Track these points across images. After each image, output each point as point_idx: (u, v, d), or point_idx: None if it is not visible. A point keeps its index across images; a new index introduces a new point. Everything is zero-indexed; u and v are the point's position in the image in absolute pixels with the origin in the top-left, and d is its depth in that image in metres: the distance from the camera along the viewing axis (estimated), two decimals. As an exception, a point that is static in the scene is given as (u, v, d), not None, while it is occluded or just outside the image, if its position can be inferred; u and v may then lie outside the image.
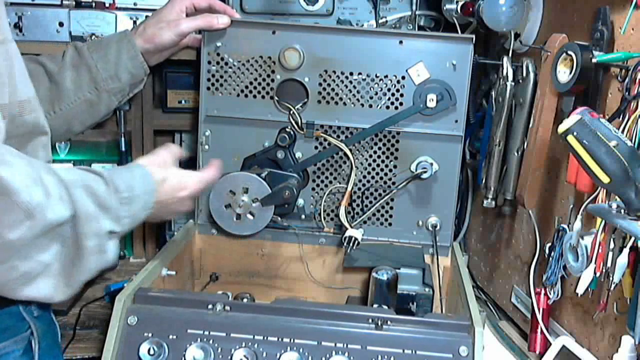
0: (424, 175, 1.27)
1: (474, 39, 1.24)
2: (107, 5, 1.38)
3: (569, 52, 1.00)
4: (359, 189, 1.32)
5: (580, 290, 0.94)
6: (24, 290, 0.80)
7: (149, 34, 1.22)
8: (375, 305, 1.16)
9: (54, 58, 1.19)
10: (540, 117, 1.10)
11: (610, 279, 0.89)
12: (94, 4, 1.37)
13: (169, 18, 1.23)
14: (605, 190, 0.91)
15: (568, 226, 1.04)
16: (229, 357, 0.95)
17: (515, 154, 1.19)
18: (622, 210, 0.82)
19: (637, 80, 0.86)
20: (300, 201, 1.32)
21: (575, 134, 0.82)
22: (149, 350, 0.95)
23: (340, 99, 1.28)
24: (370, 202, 1.31)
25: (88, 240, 0.84)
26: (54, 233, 0.80)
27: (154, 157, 1.05)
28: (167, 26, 1.22)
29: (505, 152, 1.23)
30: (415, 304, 1.12)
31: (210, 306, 0.99)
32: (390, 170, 1.31)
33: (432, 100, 1.25)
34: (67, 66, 1.17)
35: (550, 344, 1.06)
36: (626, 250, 0.86)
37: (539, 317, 1.11)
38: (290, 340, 0.96)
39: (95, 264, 0.86)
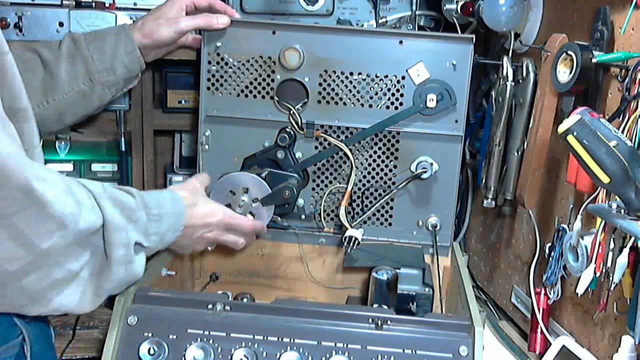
0: (424, 175, 1.27)
1: (474, 39, 1.24)
2: (107, 5, 1.37)
3: (569, 52, 1.00)
4: (359, 189, 1.32)
5: (580, 290, 0.94)
6: (54, 299, 0.81)
7: (147, 29, 1.22)
8: (375, 305, 1.16)
9: (51, 46, 1.18)
10: (540, 117, 1.10)
11: (610, 279, 0.89)
12: (94, 4, 1.37)
13: (168, 15, 1.23)
14: (605, 190, 0.91)
15: (568, 226, 1.04)
16: (229, 357, 0.95)
17: (515, 154, 1.19)
18: (622, 210, 0.82)
19: (637, 80, 0.86)
20: (300, 201, 1.32)
21: (575, 134, 0.82)
22: (149, 350, 0.95)
23: (340, 99, 1.28)
24: (370, 202, 1.31)
25: (116, 249, 0.85)
26: (85, 241, 0.81)
27: (184, 184, 1.12)
28: (167, 23, 1.22)
29: (505, 152, 1.23)
30: (415, 304, 1.12)
31: (210, 306, 0.99)
32: (390, 170, 1.31)
33: (432, 100, 1.25)
34: (62, 56, 1.17)
35: (550, 344, 1.06)
36: (626, 250, 0.86)
37: (539, 317, 1.11)
38: (290, 340, 0.96)
39: (122, 275, 0.88)
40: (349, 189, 1.29)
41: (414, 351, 0.95)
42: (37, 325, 0.92)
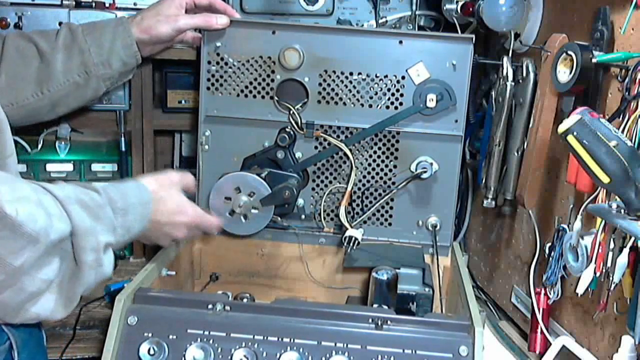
0: (424, 175, 1.27)
1: (474, 39, 1.24)
2: (107, 5, 1.38)
3: (569, 52, 1.00)
4: (359, 189, 1.32)
5: (580, 290, 0.94)
6: (30, 310, 0.81)
7: (145, 24, 1.22)
8: (375, 305, 1.16)
9: (48, 36, 1.18)
10: (540, 117, 1.10)
11: (610, 279, 0.89)
12: (94, 4, 1.37)
13: (167, 12, 1.23)
14: (605, 190, 0.91)
15: (568, 226, 1.04)
16: (229, 357, 0.95)
17: (515, 154, 1.19)
18: (622, 210, 0.82)
19: (637, 80, 0.86)
20: (300, 201, 1.32)
21: (575, 134, 0.82)
22: (149, 350, 0.95)
23: (340, 99, 1.28)
24: (370, 202, 1.31)
25: (86, 254, 0.84)
26: (55, 249, 0.81)
27: (158, 175, 1.08)
28: (165, 20, 1.22)
29: (505, 152, 1.23)
30: (415, 304, 1.12)
31: (210, 306, 0.99)
32: (390, 170, 1.31)
33: (432, 100, 1.25)
34: (59, 47, 1.17)
35: (550, 344, 1.06)
36: (626, 250, 0.86)
37: (539, 317, 1.11)
38: (290, 340, 0.96)
39: (93, 278, 0.87)
40: (349, 189, 1.29)
41: (414, 351, 0.95)
42: (26, 330, 0.91)
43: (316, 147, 1.31)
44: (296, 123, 1.29)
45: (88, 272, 0.85)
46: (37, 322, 0.87)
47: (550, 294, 1.09)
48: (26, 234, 0.75)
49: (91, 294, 1.35)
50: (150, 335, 0.97)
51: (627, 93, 0.87)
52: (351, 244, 1.20)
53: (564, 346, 1.02)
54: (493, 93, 1.26)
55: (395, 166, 1.30)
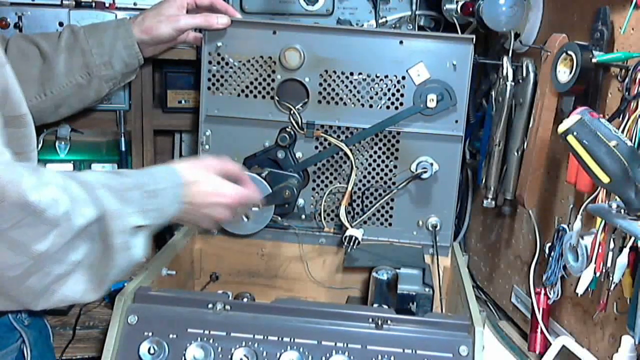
0: (424, 175, 1.27)
1: (474, 39, 1.24)
2: (107, 5, 1.38)
3: (569, 52, 1.00)
4: (359, 189, 1.32)
5: (580, 290, 0.94)
6: (58, 291, 0.81)
7: (146, 25, 1.22)
8: (375, 305, 1.16)
9: (50, 38, 1.19)
10: (540, 117, 1.10)
11: (610, 279, 0.89)
12: (94, 4, 1.37)
13: (168, 12, 1.23)
14: (605, 190, 0.91)
15: (568, 226, 1.04)
16: (229, 357, 0.95)
17: (515, 154, 1.19)
18: (622, 210, 0.82)
19: (637, 80, 0.86)
20: (301, 201, 1.32)
21: (575, 134, 0.82)
22: (149, 349, 0.95)
23: (341, 99, 1.28)
24: (371, 202, 1.31)
25: (115, 238, 0.84)
26: (83, 234, 0.81)
27: (194, 160, 1.07)
28: (166, 20, 1.22)
29: (505, 152, 1.23)
30: (415, 303, 1.12)
31: (210, 305, 0.99)
32: (391, 170, 1.31)
33: (432, 100, 1.25)
34: (61, 49, 1.17)
35: (550, 344, 1.06)
36: (626, 250, 0.86)
37: (539, 317, 1.11)
38: (290, 339, 0.96)
39: (123, 261, 0.86)
40: (349, 188, 1.29)
41: (414, 351, 0.95)
42: (36, 327, 0.92)
43: (316, 147, 1.31)
44: (296, 123, 1.29)
45: (118, 255, 0.85)
46: (65, 305, 0.86)
47: (550, 294, 1.09)
48: (50, 219, 0.75)
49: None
50: (150, 334, 0.96)
51: (627, 93, 0.87)
52: (351, 244, 1.20)
53: (564, 346, 1.02)
54: (493, 93, 1.26)
55: (395, 166, 1.30)
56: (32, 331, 0.90)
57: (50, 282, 0.79)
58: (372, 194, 1.32)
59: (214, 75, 1.30)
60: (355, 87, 1.28)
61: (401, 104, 1.27)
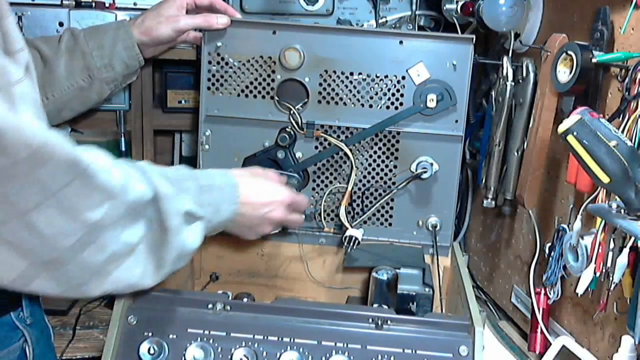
0: (424, 175, 1.27)
1: (474, 39, 1.24)
2: (107, 5, 1.38)
3: (569, 52, 1.00)
4: (359, 189, 1.32)
5: (580, 290, 0.94)
6: (113, 273, 0.80)
7: (146, 26, 1.22)
8: (375, 305, 1.16)
9: (50, 42, 1.19)
10: (540, 117, 1.10)
11: (610, 279, 0.89)
12: (94, 4, 1.37)
13: (168, 13, 1.23)
14: (605, 190, 0.91)
15: (568, 226, 1.04)
16: (229, 357, 0.95)
17: (515, 154, 1.19)
18: (622, 210, 0.82)
19: (637, 80, 0.86)
20: (301, 201, 1.32)
21: (575, 134, 0.82)
22: (149, 349, 0.95)
23: (341, 99, 1.28)
24: (371, 202, 1.31)
25: (170, 219, 0.85)
26: (139, 214, 0.81)
27: (248, 168, 1.11)
28: (166, 21, 1.22)
29: (505, 152, 1.23)
30: (415, 304, 1.12)
31: (210, 306, 0.99)
32: (390, 171, 1.31)
33: (432, 100, 1.25)
34: (62, 52, 1.17)
35: (550, 344, 1.06)
36: (626, 250, 0.86)
37: (539, 317, 1.11)
38: (290, 339, 0.96)
39: (180, 244, 0.87)
40: (349, 189, 1.29)
41: (414, 351, 0.95)
42: (38, 327, 0.92)
43: (316, 147, 1.31)
44: (296, 123, 1.29)
45: (174, 237, 0.85)
46: (119, 292, 0.86)
47: (550, 294, 1.09)
48: (101, 186, 0.75)
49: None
50: (150, 334, 0.96)
51: (627, 93, 0.88)
52: (351, 244, 1.20)
53: (564, 346, 1.02)
54: (493, 93, 1.26)
55: (395, 166, 1.30)
56: (34, 331, 0.90)
57: (105, 260, 0.78)
58: (372, 194, 1.32)
59: (213, 75, 1.30)
60: (355, 87, 1.28)
61: (401, 104, 1.27)
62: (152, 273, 0.85)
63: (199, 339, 0.96)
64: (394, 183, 1.31)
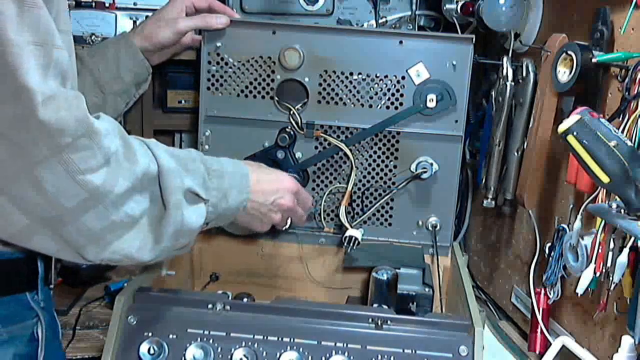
0: (424, 175, 1.27)
1: (474, 39, 1.24)
2: (107, 5, 1.38)
3: (569, 52, 1.00)
4: (359, 189, 1.32)
5: (580, 290, 0.94)
6: (113, 243, 0.81)
7: (147, 32, 1.23)
8: (375, 305, 1.16)
9: None
10: (540, 117, 1.10)
11: (610, 279, 0.89)
12: (94, 4, 1.37)
13: (168, 17, 1.24)
14: (605, 190, 0.91)
15: (568, 226, 1.04)
16: (229, 357, 0.95)
17: (515, 154, 1.19)
18: (622, 210, 0.82)
19: (637, 80, 0.86)
20: (301, 201, 1.32)
21: (575, 134, 0.82)
22: (149, 349, 0.95)
23: (340, 99, 1.28)
24: (370, 202, 1.31)
25: (172, 194, 0.85)
26: (143, 187, 0.82)
27: (252, 162, 1.10)
28: (166, 25, 1.23)
29: (505, 152, 1.23)
30: (415, 303, 1.12)
31: (210, 306, 0.99)
32: (390, 171, 1.31)
33: (432, 100, 1.25)
34: None
35: (550, 344, 1.06)
36: (626, 250, 0.86)
37: (539, 317, 1.11)
38: (290, 339, 0.96)
39: (179, 220, 0.87)
40: (349, 189, 1.29)
41: (413, 351, 0.95)
42: (50, 314, 0.92)
43: (316, 147, 1.31)
44: (296, 123, 1.29)
45: (174, 212, 0.86)
46: (117, 262, 0.86)
47: (550, 294, 1.09)
48: (105, 148, 0.76)
49: (91, 294, 1.37)
50: (150, 334, 0.97)
51: (627, 93, 0.87)
52: (351, 244, 1.20)
53: (564, 346, 1.02)
54: (493, 93, 1.26)
55: (395, 166, 1.30)
56: (46, 314, 0.90)
57: (105, 228, 0.79)
58: (372, 194, 1.32)
59: (213, 76, 1.30)
60: (355, 87, 1.28)
61: (401, 104, 1.27)
62: (151, 248, 0.85)
63: (198, 339, 0.96)
64: (393, 183, 1.31)
